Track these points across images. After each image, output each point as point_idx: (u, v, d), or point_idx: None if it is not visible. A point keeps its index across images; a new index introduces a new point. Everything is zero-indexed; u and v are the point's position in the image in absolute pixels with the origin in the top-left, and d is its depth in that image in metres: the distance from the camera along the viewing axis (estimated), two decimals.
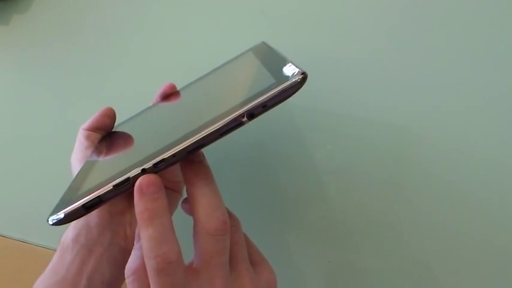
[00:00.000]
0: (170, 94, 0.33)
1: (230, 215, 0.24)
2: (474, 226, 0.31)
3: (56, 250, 0.27)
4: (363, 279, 0.33)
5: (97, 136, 0.31)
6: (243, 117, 0.20)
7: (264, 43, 0.31)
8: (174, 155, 0.20)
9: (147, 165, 0.20)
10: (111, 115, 0.32)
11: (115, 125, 0.33)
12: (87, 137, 0.30)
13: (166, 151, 0.20)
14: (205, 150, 0.24)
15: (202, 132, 0.20)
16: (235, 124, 0.20)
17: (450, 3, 0.34)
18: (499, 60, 0.32)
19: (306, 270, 0.34)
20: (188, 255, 0.21)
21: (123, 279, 0.27)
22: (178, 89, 0.34)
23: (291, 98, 0.20)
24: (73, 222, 0.27)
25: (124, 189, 0.21)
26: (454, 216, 0.31)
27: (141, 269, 0.21)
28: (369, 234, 0.33)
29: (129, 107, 0.34)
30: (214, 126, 0.20)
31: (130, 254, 0.22)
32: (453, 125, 0.32)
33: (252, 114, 0.20)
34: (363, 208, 0.33)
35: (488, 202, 0.31)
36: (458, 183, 0.31)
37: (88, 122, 0.31)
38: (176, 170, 0.31)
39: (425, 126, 0.32)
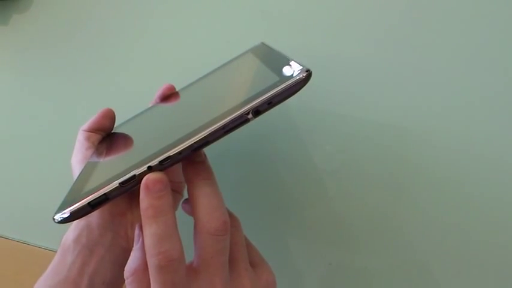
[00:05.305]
0: (169, 95, 0.33)
1: (230, 215, 0.24)
2: (475, 226, 0.31)
3: (56, 251, 0.27)
4: (364, 280, 0.33)
5: (97, 137, 0.31)
6: (249, 114, 0.20)
7: (263, 44, 0.32)
8: (179, 152, 0.21)
9: (153, 163, 0.21)
10: (110, 116, 0.32)
11: (114, 126, 0.33)
12: (87, 138, 0.31)
13: (172, 148, 0.21)
14: (205, 152, 0.24)
15: (208, 129, 0.20)
16: (240, 121, 0.20)
17: (451, 1, 0.34)
18: (500, 58, 0.32)
19: (305, 271, 0.34)
20: (188, 255, 0.22)
21: (124, 279, 0.28)
22: (177, 90, 0.34)
23: (290, 98, 0.20)
24: (74, 223, 0.27)
25: (130, 187, 0.21)
26: (455, 217, 0.31)
27: (141, 270, 0.21)
28: (370, 235, 0.33)
29: (129, 108, 0.34)
30: (220, 123, 0.20)
31: None
32: (454, 124, 0.32)
33: (257, 111, 0.20)
34: (363, 209, 0.33)
35: (490, 202, 0.30)
36: (459, 183, 0.31)
37: (88, 123, 0.32)
38: (177, 170, 0.31)
39: (426, 125, 0.32)
